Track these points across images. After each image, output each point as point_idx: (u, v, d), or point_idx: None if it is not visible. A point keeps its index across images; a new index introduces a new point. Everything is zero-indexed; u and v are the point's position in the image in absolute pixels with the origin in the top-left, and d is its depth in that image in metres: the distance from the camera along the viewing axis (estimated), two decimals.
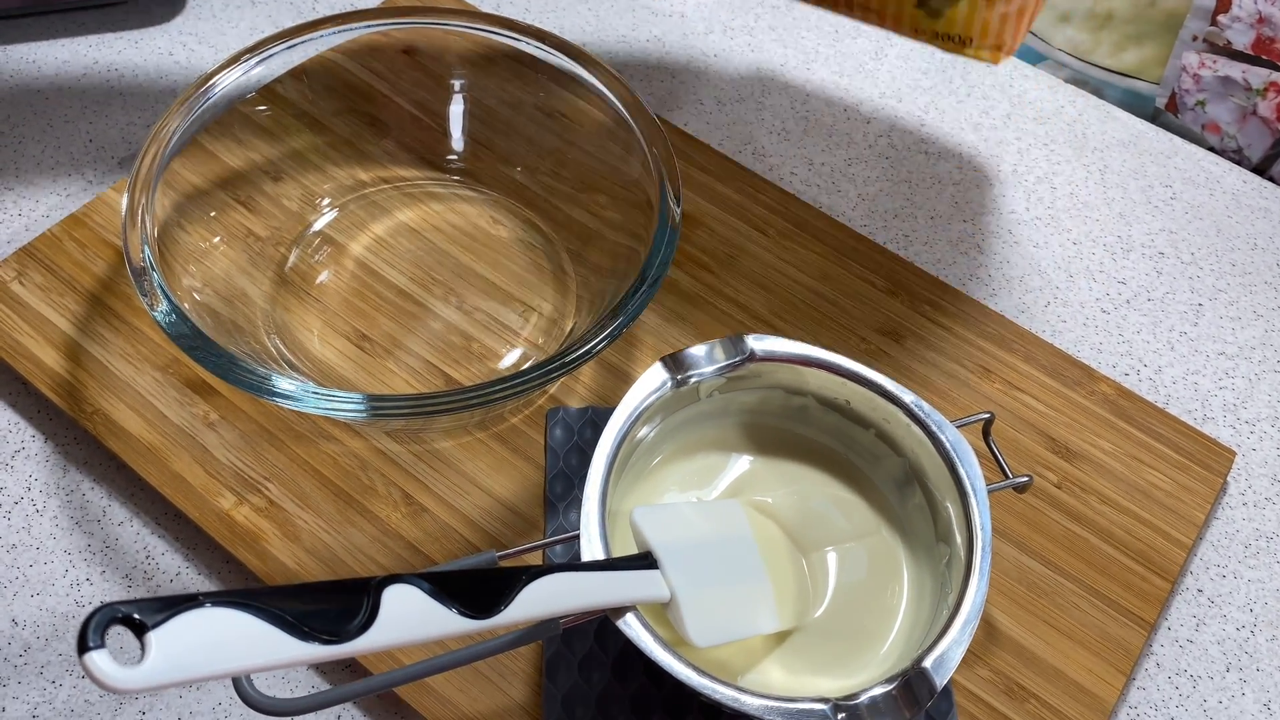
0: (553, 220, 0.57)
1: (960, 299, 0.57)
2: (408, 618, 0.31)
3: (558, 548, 0.47)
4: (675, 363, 0.44)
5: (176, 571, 0.48)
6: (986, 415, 0.45)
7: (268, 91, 0.61)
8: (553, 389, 0.52)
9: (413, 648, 0.44)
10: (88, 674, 0.25)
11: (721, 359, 0.44)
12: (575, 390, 0.52)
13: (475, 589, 0.34)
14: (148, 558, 0.48)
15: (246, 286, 0.53)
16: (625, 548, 0.42)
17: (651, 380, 0.43)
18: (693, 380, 0.44)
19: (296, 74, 0.62)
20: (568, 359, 0.45)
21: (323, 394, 0.43)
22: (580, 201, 0.57)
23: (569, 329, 0.54)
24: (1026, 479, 0.44)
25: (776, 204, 0.60)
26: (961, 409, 0.53)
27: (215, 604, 0.28)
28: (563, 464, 0.49)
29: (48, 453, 0.51)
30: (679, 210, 0.49)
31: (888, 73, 0.69)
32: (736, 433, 0.47)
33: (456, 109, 0.60)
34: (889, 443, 0.45)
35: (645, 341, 0.54)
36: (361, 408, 0.43)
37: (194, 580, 0.48)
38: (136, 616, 0.26)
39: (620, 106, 0.52)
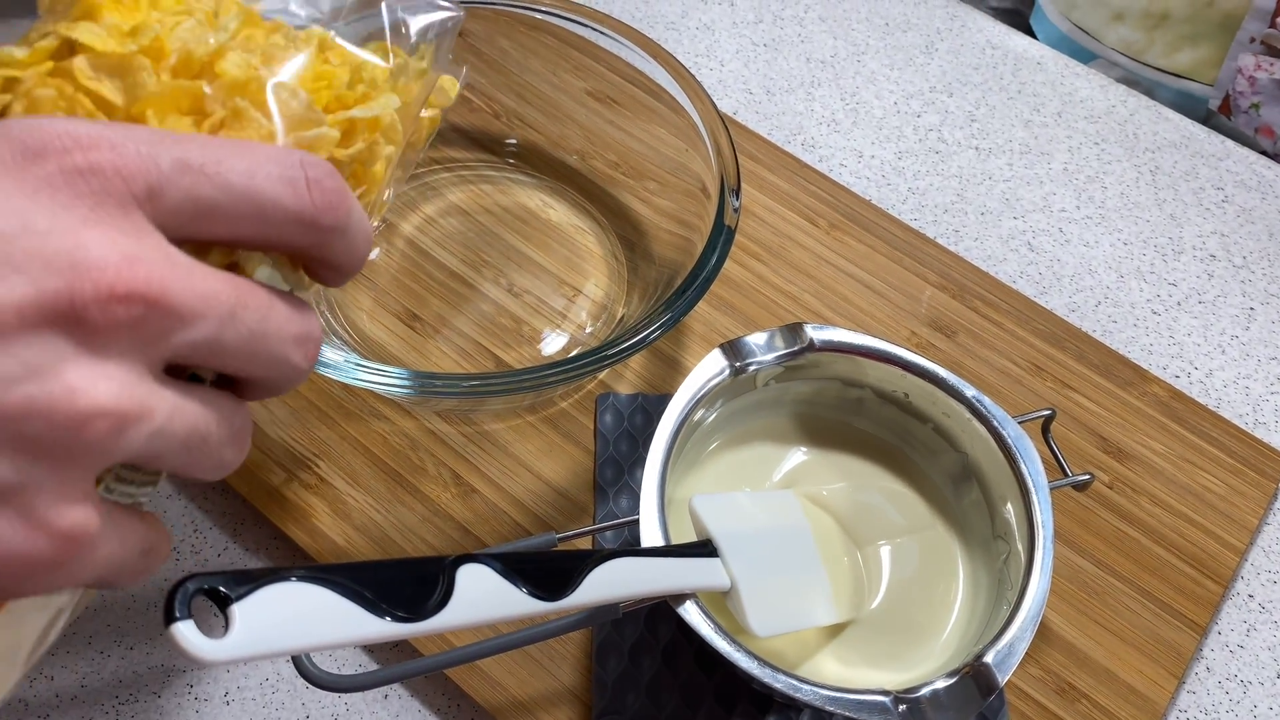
0: (605, 206, 0.57)
1: (1012, 295, 0.56)
2: (481, 598, 0.31)
3: (608, 533, 0.47)
4: (734, 350, 0.43)
5: (224, 546, 0.48)
6: (1047, 412, 0.45)
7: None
8: (603, 374, 0.52)
9: (469, 629, 0.44)
10: (174, 645, 0.25)
11: (781, 347, 0.44)
12: (624, 376, 0.52)
13: (544, 571, 0.33)
14: (195, 531, 0.48)
15: None
16: (679, 534, 0.42)
17: (710, 367, 0.43)
18: (751, 368, 0.43)
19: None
20: (621, 348, 0.45)
21: (375, 369, 0.43)
22: (633, 189, 0.57)
23: (619, 316, 0.54)
24: (1086, 477, 0.44)
25: (827, 195, 0.60)
26: (1013, 405, 0.52)
27: (297, 579, 0.28)
28: (613, 450, 0.49)
29: None
30: (738, 212, 0.48)
31: (938, 67, 0.69)
32: (791, 423, 0.47)
33: (509, 92, 0.60)
34: (946, 437, 0.45)
35: (694, 329, 0.54)
36: (410, 385, 0.43)
37: (240, 556, 0.47)
38: (222, 589, 0.26)
39: (684, 98, 0.52)
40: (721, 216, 0.48)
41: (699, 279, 0.46)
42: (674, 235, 0.54)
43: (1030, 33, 0.72)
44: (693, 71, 0.65)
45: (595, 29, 0.54)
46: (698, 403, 0.43)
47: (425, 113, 0.36)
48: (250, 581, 0.27)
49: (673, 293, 0.46)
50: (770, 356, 0.44)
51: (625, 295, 0.54)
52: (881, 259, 0.57)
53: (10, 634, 0.27)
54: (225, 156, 0.24)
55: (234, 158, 0.24)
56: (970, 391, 0.43)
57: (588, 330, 0.53)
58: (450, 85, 0.39)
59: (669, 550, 0.38)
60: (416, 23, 0.36)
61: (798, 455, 0.47)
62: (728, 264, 0.56)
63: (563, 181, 0.58)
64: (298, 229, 0.26)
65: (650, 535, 0.39)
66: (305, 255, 0.28)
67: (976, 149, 0.65)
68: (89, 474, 0.23)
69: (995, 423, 0.42)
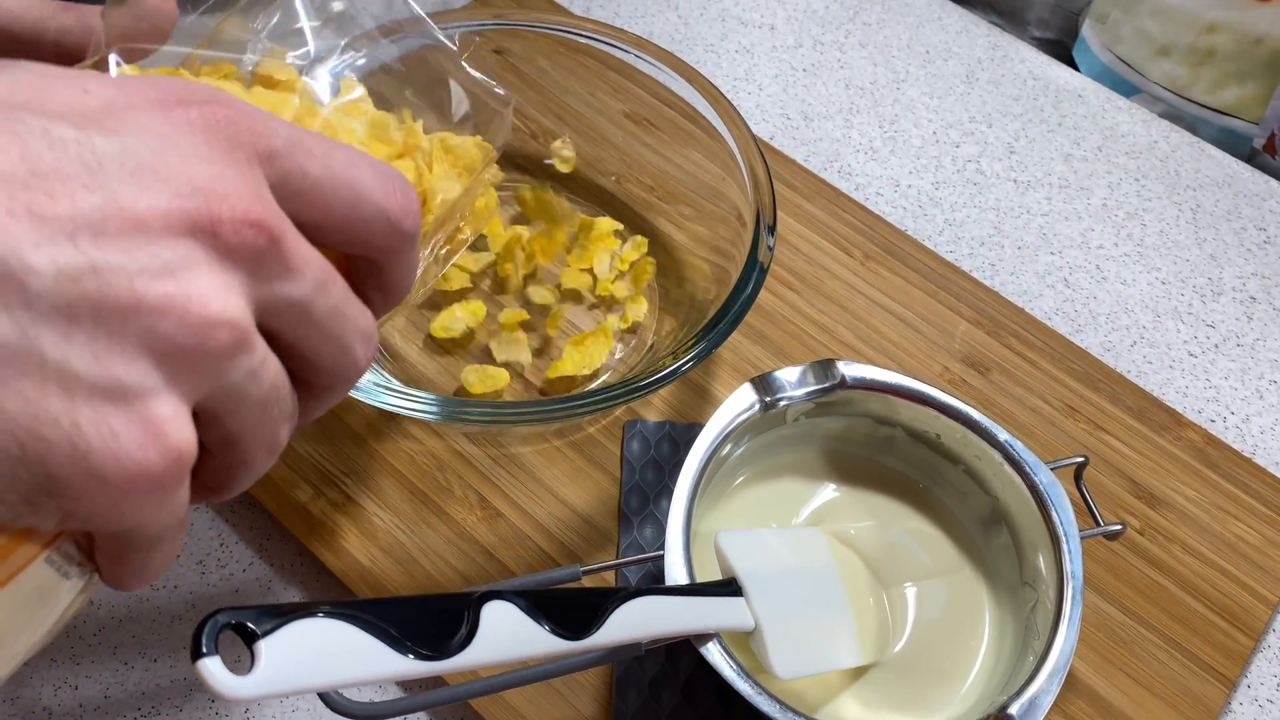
0: (639, 230, 0.57)
1: (1046, 333, 0.56)
2: (505, 636, 0.31)
3: (632, 566, 0.47)
4: (764, 385, 0.43)
5: (250, 561, 0.48)
6: (1080, 459, 0.44)
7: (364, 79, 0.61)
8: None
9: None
10: (201, 680, 0.25)
11: (812, 383, 0.43)
12: (652, 403, 0.52)
13: (569, 609, 0.33)
14: (222, 545, 0.48)
15: None
16: (703, 567, 0.42)
17: (740, 401, 0.43)
18: (781, 404, 0.43)
19: (386, 67, 0.62)
20: (652, 380, 0.45)
21: (404, 393, 0.43)
22: (668, 213, 0.57)
23: (649, 342, 0.54)
24: (1119, 528, 0.43)
25: (862, 224, 0.59)
26: (1045, 446, 0.52)
27: (324, 615, 0.28)
28: (639, 478, 0.49)
29: None
30: (772, 250, 0.48)
31: (979, 97, 0.68)
32: (820, 459, 0.47)
33: (547, 112, 0.60)
34: (977, 480, 0.44)
35: (725, 359, 0.54)
36: (438, 411, 0.43)
37: (265, 572, 0.48)
38: (249, 625, 0.26)
39: (721, 124, 0.52)
40: (755, 252, 0.48)
41: (730, 313, 0.46)
42: (708, 262, 0.54)
43: (1073, 64, 0.72)
44: (730, 95, 0.65)
45: (633, 53, 0.54)
46: (726, 437, 0.42)
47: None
48: (278, 617, 0.27)
49: (704, 325, 0.46)
50: (801, 392, 0.43)
51: (656, 321, 0.54)
52: (916, 292, 0.57)
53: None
54: (331, 146, 0.26)
55: (339, 149, 0.26)
56: (1003, 435, 0.43)
57: (617, 355, 0.53)
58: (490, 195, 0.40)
59: (693, 589, 0.38)
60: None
61: (826, 492, 0.46)
62: (760, 292, 0.56)
63: (598, 204, 0.58)
64: (381, 224, 0.27)
65: (675, 573, 0.39)
66: (371, 263, 0.28)
67: (1015, 181, 0.64)
68: (195, 394, 0.23)
69: (1027, 469, 0.42)
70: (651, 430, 0.50)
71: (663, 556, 0.39)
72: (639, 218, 0.57)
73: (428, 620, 0.30)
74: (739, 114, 0.51)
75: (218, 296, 0.22)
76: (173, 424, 0.22)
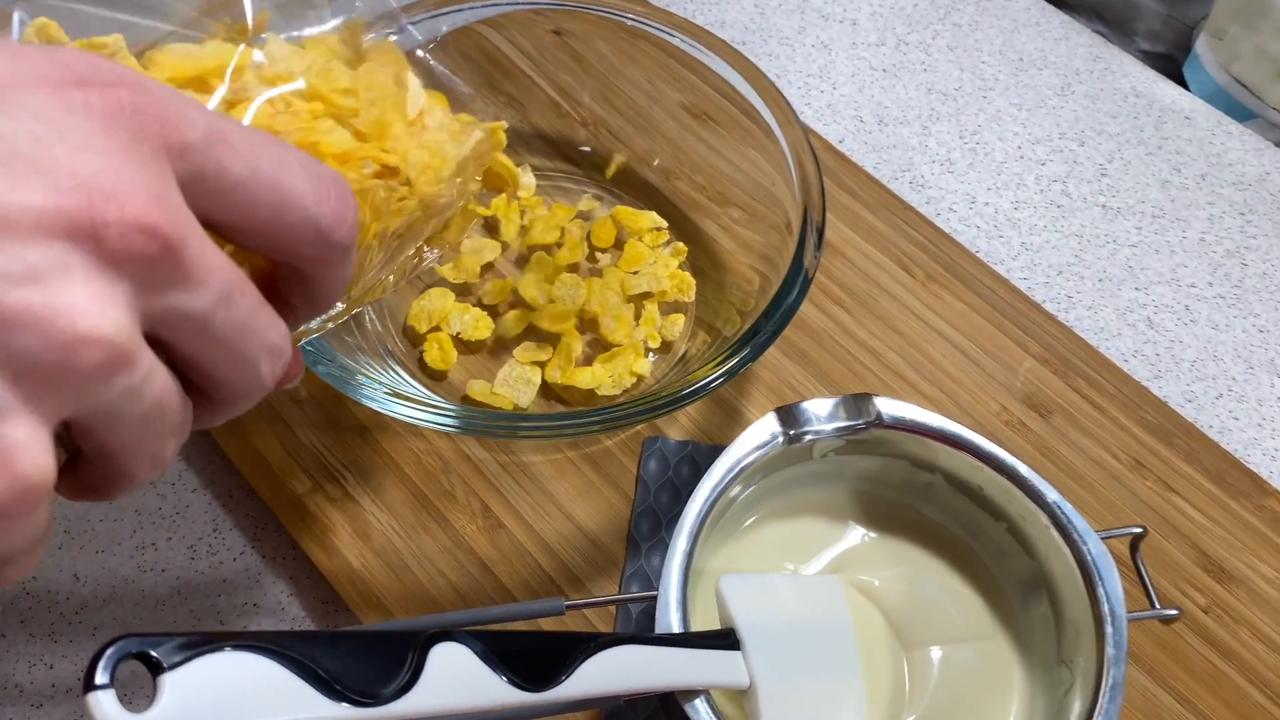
0: (682, 231, 0.53)
1: (1120, 377, 0.51)
2: (453, 684, 0.28)
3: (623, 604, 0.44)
4: (790, 416, 0.39)
5: (241, 550, 0.46)
6: (1138, 530, 0.39)
7: (410, 58, 0.58)
8: None
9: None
10: (89, 714, 0.23)
11: (843, 419, 0.39)
12: (677, 420, 0.48)
13: (533, 655, 0.30)
14: (215, 531, 0.46)
15: None
16: (706, 609, 0.38)
17: (761, 432, 0.39)
18: (807, 438, 0.39)
19: (441, 43, 0.60)
20: (677, 397, 0.41)
21: (411, 404, 0.40)
22: (716, 215, 0.53)
23: (681, 352, 0.50)
24: (1175, 612, 0.38)
25: (928, 242, 0.55)
26: (1105, 505, 0.47)
27: (240, 648, 0.25)
28: (652, 500, 0.46)
29: None
30: (819, 257, 0.44)
31: (1072, 111, 0.63)
32: (848, 500, 0.43)
33: (599, 98, 0.57)
34: (1021, 540, 0.40)
35: (760, 378, 0.50)
36: (450, 422, 0.40)
37: (256, 563, 0.46)
38: (154, 655, 0.24)
39: (773, 119, 0.48)
40: (800, 257, 0.44)
41: (769, 324, 0.43)
42: (755, 271, 0.50)
43: (1182, 83, 0.66)
44: (801, 92, 0.61)
45: (683, 40, 0.50)
46: (743, 469, 0.39)
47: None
48: (190, 648, 0.24)
49: (739, 337, 0.43)
50: (830, 427, 0.39)
51: (690, 331, 0.51)
52: (979, 320, 0.52)
53: None
54: (261, 143, 0.24)
55: (268, 146, 0.24)
56: (1051, 496, 0.38)
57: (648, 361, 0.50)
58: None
59: (684, 639, 0.35)
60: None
61: (852, 536, 0.43)
62: (807, 308, 0.52)
63: (643, 200, 0.55)
64: (309, 233, 0.25)
65: (666, 620, 0.35)
66: (291, 271, 0.26)
67: (1103, 207, 0.59)
68: (57, 415, 0.20)
69: (1075, 535, 0.37)
70: (672, 450, 0.47)
71: (655, 597, 0.36)
72: (684, 219, 0.53)
73: (365, 660, 0.27)
74: (791, 108, 0.47)
75: (91, 309, 0.19)
76: (25, 451, 0.19)
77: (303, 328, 0.32)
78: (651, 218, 0.53)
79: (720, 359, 0.42)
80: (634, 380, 0.48)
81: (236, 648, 0.25)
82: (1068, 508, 0.38)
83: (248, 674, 0.25)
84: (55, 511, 0.46)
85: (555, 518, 0.45)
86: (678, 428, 0.48)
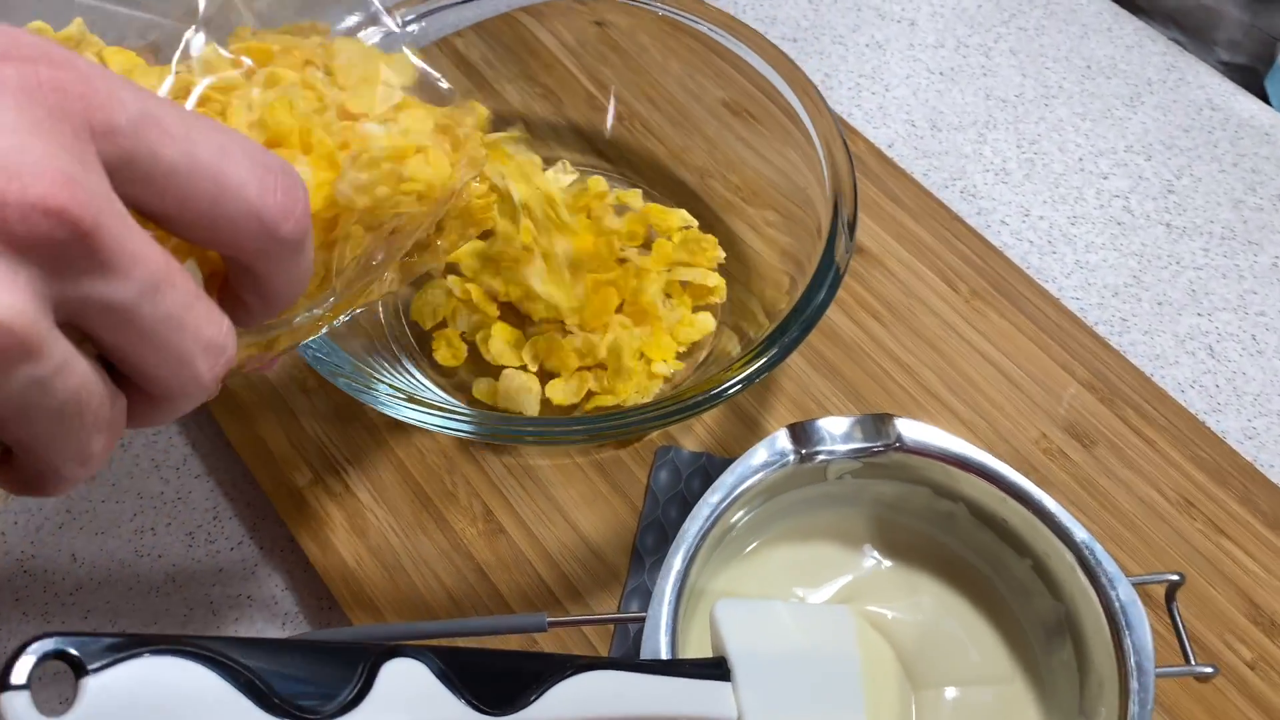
0: (712, 231, 0.51)
1: (1174, 409, 0.47)
2: (404, 702, 0.26)
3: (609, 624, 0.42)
4: (803, 434, 0.37)
5: (240, 540, 0.45)
6: (1175, 577, 0.36)
7: (445, 44, 0.57)
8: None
9: None
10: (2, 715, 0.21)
11: (859, 440, 0.37)
12: (693, 429, 0.46)
13: (497, 676, 0.28)
14: (215, 519, 0.45)
15: None
16: (703, 635, 0.36)
17: (771, 449, 0.37)
18: (820, 458, 0.37)
19: (480, 30, 0.58)
20: (693, 402, 0.39)
21: (426, 410, 0.38)
22: (750, 217, 0.51)
23: (703, 357, 0.48)
24: (1210, 670, 0.35)
25: (975, 255, 0.52)
26: (1148, 545, 0.44)
27: (172, 653, 0.24)
28: (660, 514, 0.44)
29: None
30: (850, 250, 0.42)
31: (1140, 123, 0.59)
32: (865, 526, 0.40)
33: (637, 92, 0.55)
34: (1046, 580, 0.37)
35: (784, 389, 0.47)
36: (451, 424, 0.38)
37: (253, 554, 0.45)
38: (75, 653, 0.22)
39: (802, 111, 0.46)
40: (831, 252, 0.42)
41: (796, 324, 0.40)
42: (788, 276, 0.48)
43: (1263, 96, 0.61)
44: (852, 93, 0.58)
45: (725, 36, 0.48)
46: (748, 488, 0.36)
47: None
48: (115, 651, 0.23)
49: (765, 338, 0.40)
50: (845, 448, 0.37)
51: (715, 334, 0.48)
52: (1024, 341, 0.49)
53: None
54: (201, 128, 0.22)
55: (209, 132, 0.22)
56: (1080, 534, 0.35)
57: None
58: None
59: (669, 667, 0.33)
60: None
61: (867, 565, 0.40)
62: (839, 318, 0.49)
63: (672, 197, 0.52)
64: (251, 226, 0.23)
65: (654, 644, 0.33)
66: (239, 267, 0.24)
67: (1168, 226, 0.55)
68: None
69: (1103, 579, 0.35)
70: (685, 461, 0.45)
71: (644, 619, 0.34)
72: (717, 220, 0.51)
73: (309, 672, 0.26)
74: (821, 98, 0.45)
75: None
76: None
77: (300, 321, 0.31)
78: (681, 215, 0.51)
79: (746, 359, 0.40)
80: (657, 384, 0.46)
81: (168, 652, 0.23)
82: (1097, 549, 0.35)
83: (178, 681, 0.24)
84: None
85: (558, 525, 0.44)
86: (693, 437, 0.46)
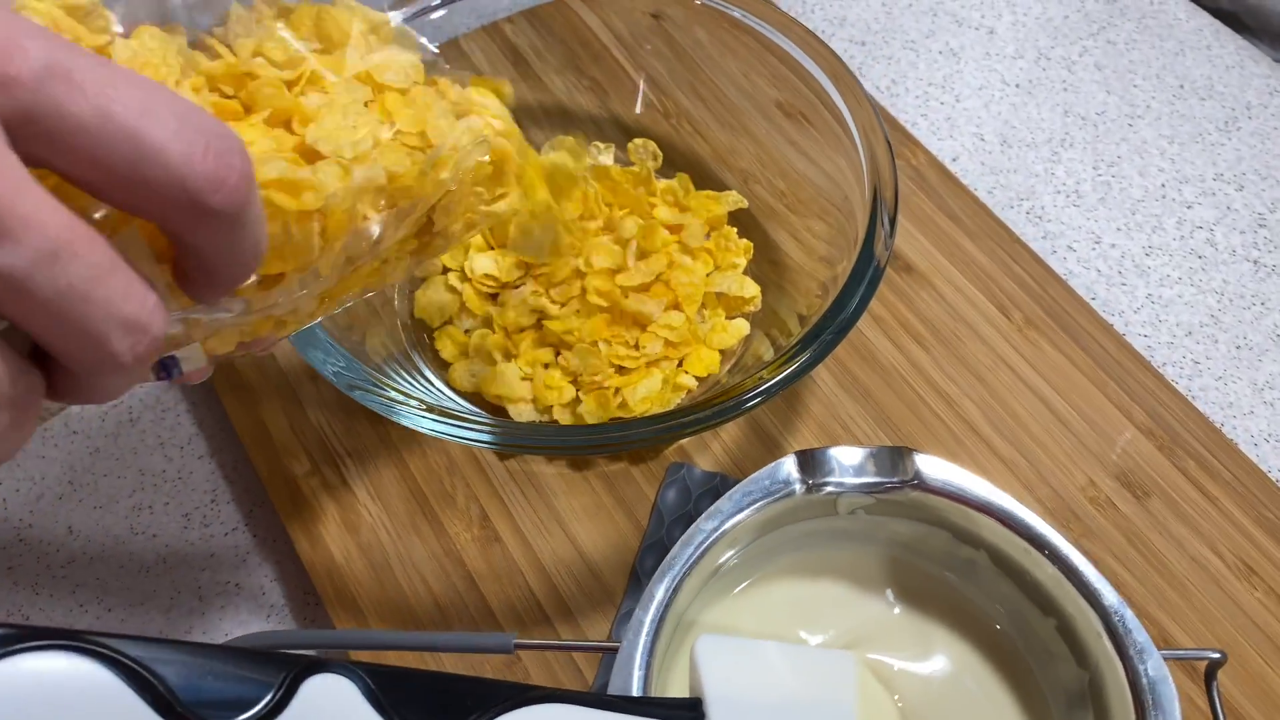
0: (751, 236, 0.48)
1: (1243, 465, 0.43)
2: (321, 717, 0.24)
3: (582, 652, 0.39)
4: (812, 463, 0.34)
5: (235, 525, 0.44)
6: (1215, 655, 0.32)
7: (494, 29, 0.55)
8: (685, 439, 0.44)
9: None
10: None
11: (872, 474, 0.34)
12: (710, 448, 0.43)
13: (434, 700, 0.26)
14: (212, 501, 0.44)
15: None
16: (687, 672, 0.33)
17: (775, 477, 0.34)
18: (828, 490, 0.34)
19: (531, 16, 0.56)
20: (706, 413, 0.37)
21: (404, 410, 0.36)
22: (792, 225, 0.48)
23: (732, 363, 0.45)
24: None
25: (1035, 282, 0.48)
26: (1198, 613, 0.39)
27: (69, 649, 0.22)
28: (664, 534, 0.41)
29: None
30: (890, 244, 0.39)
31: (1235, 149, 0.54)
32: (879, 567, 0.37)
33: (688, 89, 0.52)
34: (1072, 644, 0.34)
35: (810, 410, 0.44)
36: (434, 427, 0.36)
37: (246, 540, 0.43)
38: None
39: (842, 105, 0.43)
40: (870, 245, 0.39)
41: (828, 330, 0.37)
42: (823, 286, 0.45)
43: None
44: (918, 101, 0.55)
45: (773, 32, 0.46)
46: (748, 514, 0.34)
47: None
48: (5, 643, 0.22)
49: (794, 345, 0.38)
50: (856, 481, 0.34)
51: (743, 345, 0.46)
52: (1080, 378, 0.45)
53: None
54: (121, 84, 0.20)
55: (132, 89, 0.20)
56: (1109, 598, 0.32)
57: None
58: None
59: (635, 704, 0.30)
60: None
61: (877, 609, 0.37)
62: (878, 338, 0.46)
63: None
64: (175, 195, 0.21)
65: (626, 677, 0.31)
66: (175, 239, 0.22)
67: (1255, 263, 0.50)
68: None
69: (1131, 650, 0.31)
70: (697, 480, 0.42)
71: (617, 649, 0.31)
72: (757, 227, 0.48)
73: (222, 681, 0.24)
74: (869, 101, 0.42)
75: None
76: None
77: (279, 305, 0.29)
78: (734, 197, 0.48)
79: (777, 364, 0.37)
80: (679, 396, 0.44)
81: (63, 648, 0.22)
82: (1128, 615, 0.31)
83: (71, 680, 0.22)
84: (66, 459, 0.45)
85: (556, 537, 0.41)
86: (709, 456, 0.43)
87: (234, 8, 0.27)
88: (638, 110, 0.52)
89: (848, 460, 0.34)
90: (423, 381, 0.43)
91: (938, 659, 0.36)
